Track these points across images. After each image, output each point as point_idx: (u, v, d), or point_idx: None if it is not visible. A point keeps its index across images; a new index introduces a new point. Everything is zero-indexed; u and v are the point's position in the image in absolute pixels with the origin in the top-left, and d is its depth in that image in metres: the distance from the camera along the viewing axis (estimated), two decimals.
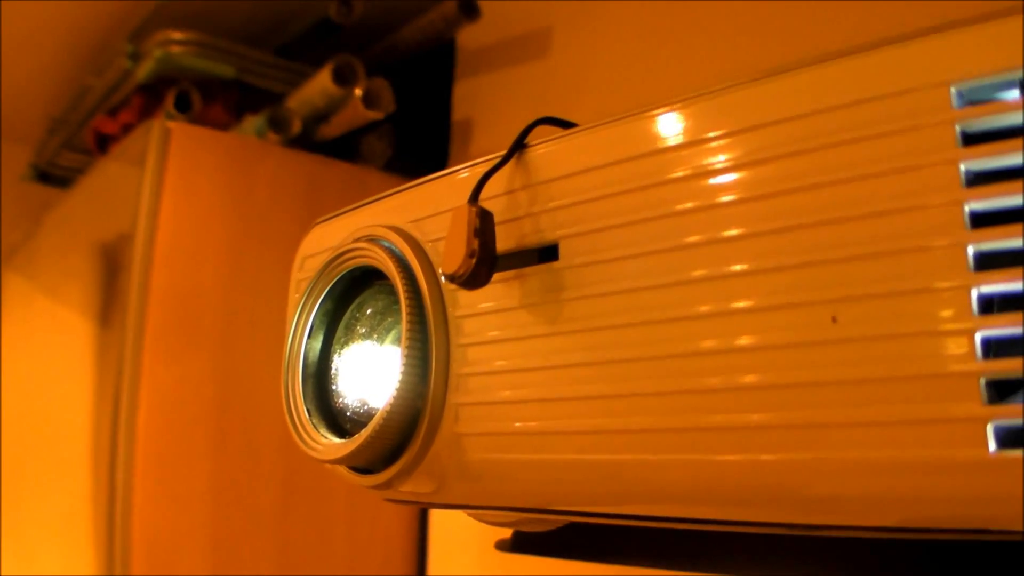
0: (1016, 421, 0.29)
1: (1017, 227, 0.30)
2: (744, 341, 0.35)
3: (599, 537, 0.58)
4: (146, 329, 1.05)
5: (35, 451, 1.31)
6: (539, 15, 1.12)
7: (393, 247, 0.46)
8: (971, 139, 0.31)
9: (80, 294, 1.27)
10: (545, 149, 0.42)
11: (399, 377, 0.43)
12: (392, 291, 0.46)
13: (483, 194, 0.42)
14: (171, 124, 1.11)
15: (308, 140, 1.21)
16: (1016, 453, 0.29)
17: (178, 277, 1.09)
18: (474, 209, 0.40)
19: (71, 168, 1.57)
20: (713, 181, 0.36)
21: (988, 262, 0.30)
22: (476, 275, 0.39)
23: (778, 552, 0.51)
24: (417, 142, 1.26)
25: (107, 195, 1.25)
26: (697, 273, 0.36)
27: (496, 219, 0.41)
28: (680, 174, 0.37)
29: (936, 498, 0.31)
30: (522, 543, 0.59)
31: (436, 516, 1.16)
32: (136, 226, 1.09)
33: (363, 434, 0.43)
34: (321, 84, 1.14)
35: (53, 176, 1.62)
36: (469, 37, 1.23)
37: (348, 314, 0.50)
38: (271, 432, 1.11)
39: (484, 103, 1.18)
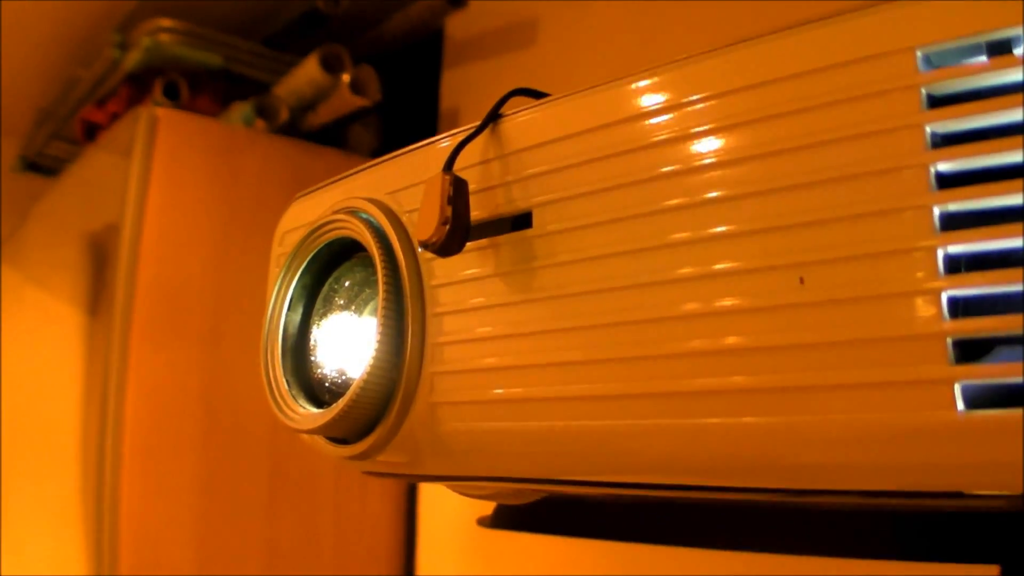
0: (985, 381, 0.30)
1: (983, 187, 0.30)
2: (718, 304, 0.35)
3: (582, 513, 0.59)
4: (133, 318, 1.05)
5: (25, 442, 1.30)
6: (526, 4, 1.13)
7: (371, 218, 0.46)
8: (939, 103, 0.31)
9: (69, 284, 1.26)
10: (519, 119, 0.42)
11: (374, 347, 0.43)
12: (370, 263, 0.46)
13: (458, 164, 0.42)
14: (159, 111, 1.11)
15: (295, 129, 1.22)
16: (985, 413, 0.29)
17: (165, 266, 1.09)
18: (448, 177, 0.40)
19: (60, 158, 1.56)
20: (683, 148, 0.36)
21: (955, 223, 0.30)
22: (449, 243, 0.39)
23: (761, 525, 0.51)
24: (405, 131, 1.26)
25: (95, 184, 1.25)
26: (667, 238, 0.36)
27: (471, 188, 0.42)
28: (650, 141, 0.37)
29: (910, 461, 0.32)
30: (504, 519, 0.59)
31: (424, 505, 1.17)
32: (123, 215, 1.08)
33: (339, 404, 0.44)
34: (308, 72, 1.14)
35: (42, 167, 1.62)
36: (457, 26, 1.23)
37: (327, 287, 0.50)
38: (258, 422, 1.11)
39: (472, 92, 1.19)
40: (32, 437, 1.29)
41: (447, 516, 1.11)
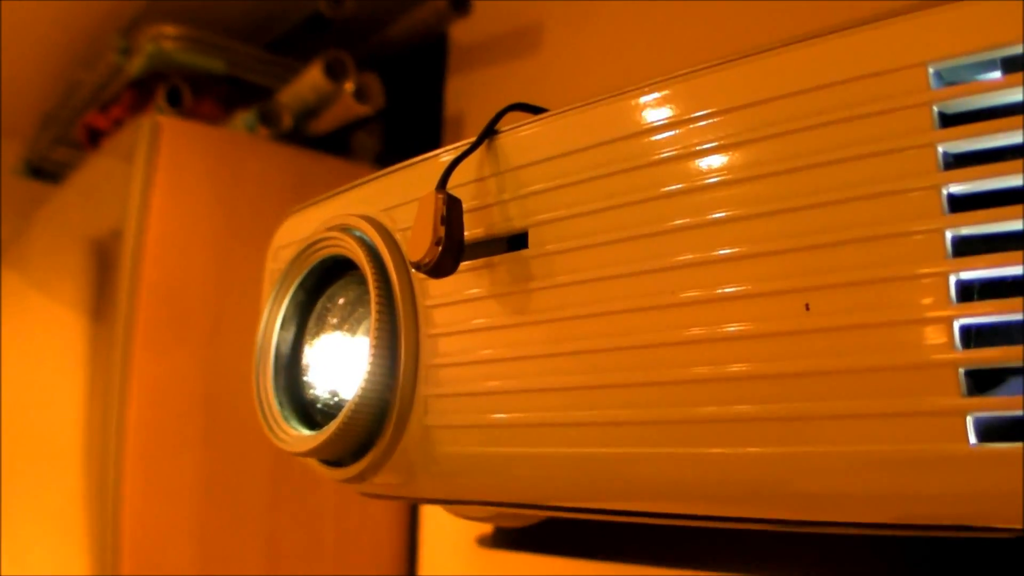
0: (997, 413, 0.28)
1: (997, 211, 0.29)
2: (722, 330, 0.34)
3: (584, 533, 0.57)
4: (136, 323, 1.05)
5: (28, 445, 1.31)
6: (531, 10, 1.12)
7: (364, 236, 0.45)
8: (951, 120, 0.30)
9: (72, 289, 1.26)
10: (516, 135, 0.41)
11: (367, 368, 0.42)
12: (363, 281, 0.45)
13: (453, 181, 0.41)
14: (161, 119, 1.10)
15: (299, 135, 1.21)
16: (998, 446, 0.28)
17: (168, 272, 1.08)
18: (441, 196, 0.39)
19: (63, 163, 1.56)
20: (685, 166, 0.35)
21: (967, 247, 0.29)
22: (442, 263, 0.38)
23: (764, 548, 0.50)
24: (408, 138, 1.25)
25: (98, 190, 1.25)
26: (669, 260, 0.35)
27: (465, 207, 0.40)
28: (651, 159, 0.36)
29: (919, 494, 0.30)
30: (504, 539, 0.58)
31: (427, 512, 1.16)
32: (126, 221, 1.08)
33: (331, 426, 0.42)
34: (312, 79, 1.13)
35: (46, 171, 1.62)
36: (461, 32, 1.22)
37: (320, 305, 0.49)
38: (260, 427, 1.10)
39: (476, 98, 1.18)
40: (35, 440, 1.29)
41: (449, 521, 1.10)
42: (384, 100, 1.14)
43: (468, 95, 1.19)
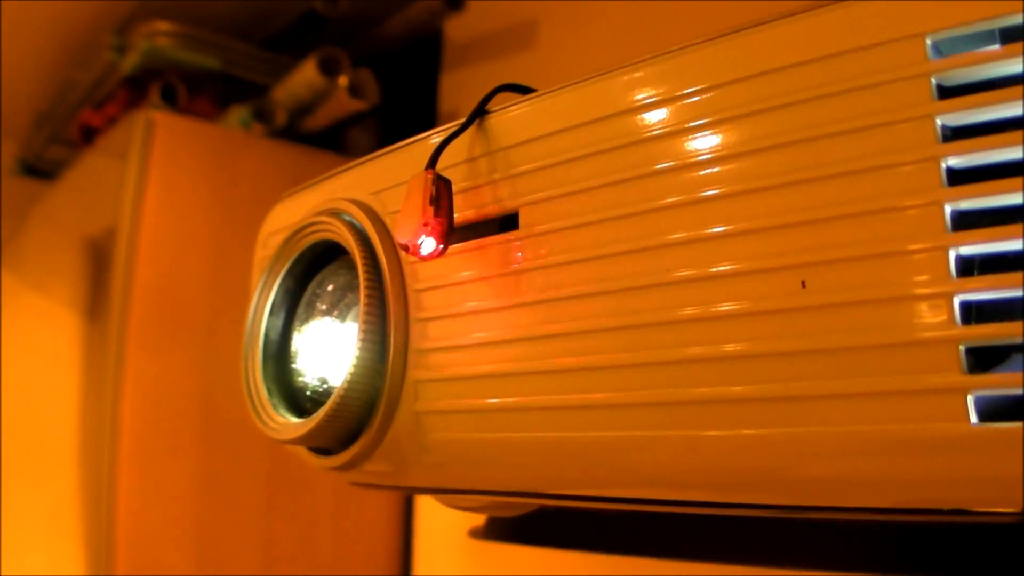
0: (999, 392, 0.28)
1: (996, 184, 0.28)
2: (716, 309, 0.33)
3: (577, 523, 0.57)
4: (130, 321, 1.04)
5: (23, 444, 1.30)
6: (525, 6, 1.11)
7: (353, 220, 0.44)
8: (949, 93, 0.29)
9: (67, 287, 1.26)
10: (506, 115, 0.40)
11: (356, 353, 0.41)
12: (353, 267, 0.44)
13: (442, 162, 0.40)
14: (156, 116, 1.10)
15: (293, 132, 1.20)
16: (999, 426, 0.27)
17: (162, 270, 1.08)
18: (430, 176, 0.38)
19: (58, 161, 1.56)
20: (678, 142, 0.34)
21: (968, 222, 0.29)
22: (431, 245, 0.37)
23: (761, 537, 0.49)
24: (403, 133, 1.24)
25: (92, 188, 1.25)
26: (662, 239, 0.34)
27: (455, 187, 0.40)
28: (643, 136, 0.35)
29: (919, 476, 0.30)
30: (497, 530, 0.57)
31: (422, 509, 1.15)
32: (120, 219, 1.08)
33: (320, 413, 0.42)
34: (306, 75, 1.12)
35: (40, 170, 1.61)
36: (456, 28, 1.22)
37: (309, 291, 0.48)
38: (251, 419, 1.09)
39: (470, 95, 1.17)
40: (31, 439, 1.28)
41: (445, 518, 1.10)
42: (379, 96, 1.13)
43: (462, 91, 1.19)
